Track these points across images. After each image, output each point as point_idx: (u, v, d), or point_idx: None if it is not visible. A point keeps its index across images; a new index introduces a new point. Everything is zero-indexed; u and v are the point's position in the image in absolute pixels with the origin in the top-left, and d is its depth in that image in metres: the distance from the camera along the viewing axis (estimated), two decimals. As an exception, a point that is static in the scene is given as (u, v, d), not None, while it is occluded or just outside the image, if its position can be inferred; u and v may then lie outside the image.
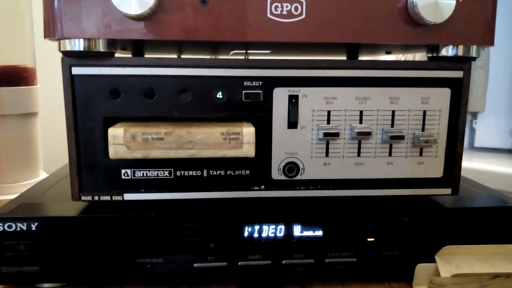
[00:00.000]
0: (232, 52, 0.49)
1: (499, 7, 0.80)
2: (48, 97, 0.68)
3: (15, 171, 0.57)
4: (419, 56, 0.69)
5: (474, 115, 0.80)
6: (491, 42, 0.35)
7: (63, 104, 0.34)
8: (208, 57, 0.49)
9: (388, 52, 0.49)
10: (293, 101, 0.36)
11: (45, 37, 0.33)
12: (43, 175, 0.61)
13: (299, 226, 0.37)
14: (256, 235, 0.37)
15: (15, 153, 0.57)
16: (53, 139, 0.78)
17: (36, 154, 0.59)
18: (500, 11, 0.76)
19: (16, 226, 0.35)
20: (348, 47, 0.43)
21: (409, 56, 0.70)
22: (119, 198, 0.36)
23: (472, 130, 0.81)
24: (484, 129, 0.80)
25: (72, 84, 0.34)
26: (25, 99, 0.56)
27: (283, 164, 0.37)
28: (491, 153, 0.77)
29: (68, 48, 0.33)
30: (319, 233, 0.37)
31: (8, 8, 0.57)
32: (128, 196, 0.36)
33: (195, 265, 0.36)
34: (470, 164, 0.70)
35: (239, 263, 0.37)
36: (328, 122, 0.37)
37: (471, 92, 0.79)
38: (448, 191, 0.39)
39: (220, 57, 0.53)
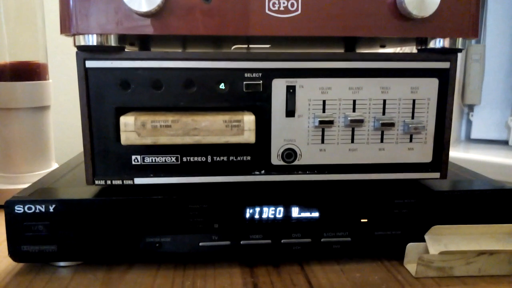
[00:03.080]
0: (234, 47, 0.52)
1: (494, 2, 0.82)
2: (57, 92, 0.71)
3: (29, 161, 0.59)
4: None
5: (471, 107, 0.80)
6: (475, 35, 0.38)
7: (72, 99, 0.36)
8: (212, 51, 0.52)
9: (382, 46, 0.51)
10: (291, 91, 0.38)
11: (61, 33, 0.35)
12: (54, 165, 0.63)
13: (297, 208, 0.39)
14: (257, 216, 0.39)
15: (29, 144, 0.59)
16: (62, 132, 0.80)
17: (48, 146, 0.62)
18: (495, 7, 0.77)
19: (35, 208, 0.37)
20: (345, 41, 0.45)
21: (407, 50, 0.72)
22: (130, 182, 0.38)
23: (469, 122, 0.82)
24: (481, 121, 0.80)
25: (86, 76, 0.36)
26: (38, 93, 0.58)
27: (281, 150, 0.39)
28: (487, 145, 0.78)
29: (82, 43, 0.35)
30: (316, 214, 0.39)
31: (21, 7, 0.59)
32: (138, 180, 0.38)
33: (200, 244, 0.39)
34: (467, 155, 0.70)
35: (241, 242, 0.39)
36: (324, 111, 0.39)
37: (468, 85, 0.80)
38: (436, 175, 0.41)
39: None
